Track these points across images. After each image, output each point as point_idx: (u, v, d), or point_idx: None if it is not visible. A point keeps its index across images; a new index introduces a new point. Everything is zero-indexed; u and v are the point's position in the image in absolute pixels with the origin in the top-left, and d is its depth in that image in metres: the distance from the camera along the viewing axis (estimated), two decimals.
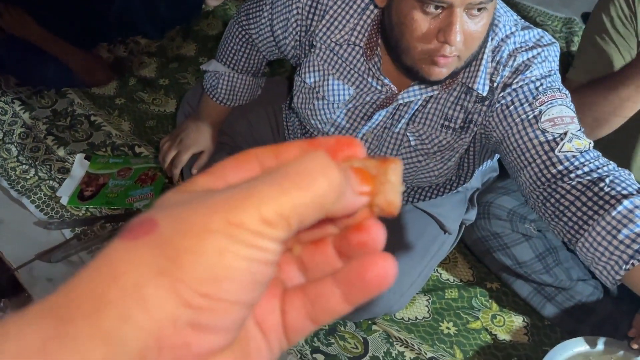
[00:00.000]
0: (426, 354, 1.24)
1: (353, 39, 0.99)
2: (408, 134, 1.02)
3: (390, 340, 1.26)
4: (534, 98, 0.88)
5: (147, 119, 1.77)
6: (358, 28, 0.99)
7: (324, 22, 1.01)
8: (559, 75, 0.95)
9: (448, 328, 1.28)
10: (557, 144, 0.82)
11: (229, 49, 1.24)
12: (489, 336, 1.27)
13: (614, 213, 0.74)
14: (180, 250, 0.19)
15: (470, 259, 1.41)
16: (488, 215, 1.24)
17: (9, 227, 1.47)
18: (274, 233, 0.21)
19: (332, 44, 1.01)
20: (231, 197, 0.21)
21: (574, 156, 0.81)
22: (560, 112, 0.85)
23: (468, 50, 0.86)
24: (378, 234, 0.25)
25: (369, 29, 0.98)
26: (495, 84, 0.94)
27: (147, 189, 1.52)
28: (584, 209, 0.78)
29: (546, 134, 0.84)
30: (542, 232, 1.25)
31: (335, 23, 1.00)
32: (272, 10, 1.09)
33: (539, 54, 0.93)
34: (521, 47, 0.94)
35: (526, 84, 0.91)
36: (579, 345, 1.14)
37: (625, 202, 0.75)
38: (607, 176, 0.78)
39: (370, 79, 1.00)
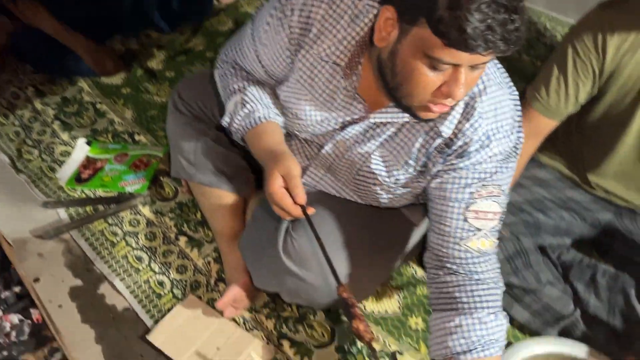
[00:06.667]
0: (390, 346, 1.25)
1: (334, 57, 0.97)
2: (372, 157, 1.02)
3: None
4: (475, 189, 0.96)
5: (150, 109, 1.84)
6: (341, 47, 0.96)
7: (310, 35, 0.98)
8: (511, 164, 0.97)
9: (417, 323, 1.29)
10: (467, 236, 0.97)
11: (225, 85, 1.15)
12: None
13: (456, 320, 0.98)
14: None
15: None
16: None
17: (7, 202, 1.55)
18: None
19: (312, 60, 1.00)
20: None
21: (472, 255, 0.99)
22: (487, 207, 0.96)
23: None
24: None
25: (352, 48, 0.96)
26: (457, 137, 0.94)
27: (139, 174, 1.59)
28: (446, 299, 1.01)
29: (465, 222, 0.97)
30: (516, 236, 1.24)
31: (322, 37, 0.97)
32: (255, 45, 1.07)
33: (503, 137, 0.93)
34: (490, 122, 0.93)
35: (477, 170, 0.95)
36: (540, 344, 1.14)
37: (462, 317, 0.98)
38: (479, 283, 0.99)
39: (343, 97, 1.00)
